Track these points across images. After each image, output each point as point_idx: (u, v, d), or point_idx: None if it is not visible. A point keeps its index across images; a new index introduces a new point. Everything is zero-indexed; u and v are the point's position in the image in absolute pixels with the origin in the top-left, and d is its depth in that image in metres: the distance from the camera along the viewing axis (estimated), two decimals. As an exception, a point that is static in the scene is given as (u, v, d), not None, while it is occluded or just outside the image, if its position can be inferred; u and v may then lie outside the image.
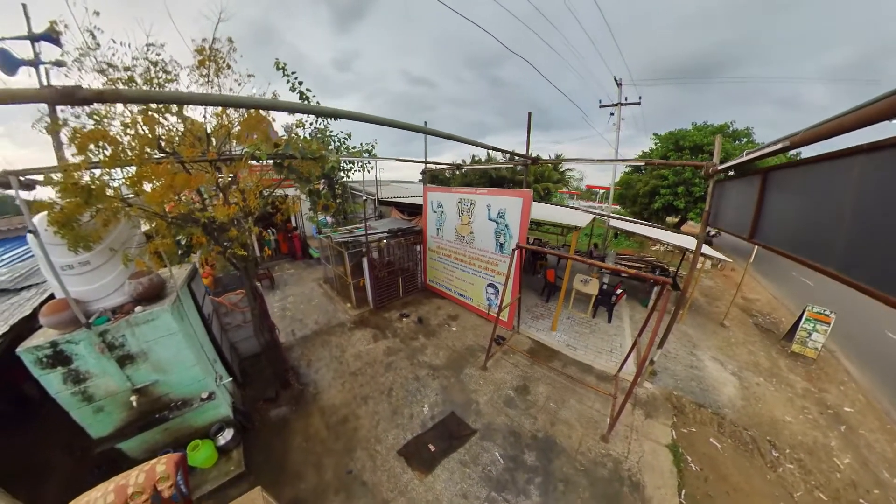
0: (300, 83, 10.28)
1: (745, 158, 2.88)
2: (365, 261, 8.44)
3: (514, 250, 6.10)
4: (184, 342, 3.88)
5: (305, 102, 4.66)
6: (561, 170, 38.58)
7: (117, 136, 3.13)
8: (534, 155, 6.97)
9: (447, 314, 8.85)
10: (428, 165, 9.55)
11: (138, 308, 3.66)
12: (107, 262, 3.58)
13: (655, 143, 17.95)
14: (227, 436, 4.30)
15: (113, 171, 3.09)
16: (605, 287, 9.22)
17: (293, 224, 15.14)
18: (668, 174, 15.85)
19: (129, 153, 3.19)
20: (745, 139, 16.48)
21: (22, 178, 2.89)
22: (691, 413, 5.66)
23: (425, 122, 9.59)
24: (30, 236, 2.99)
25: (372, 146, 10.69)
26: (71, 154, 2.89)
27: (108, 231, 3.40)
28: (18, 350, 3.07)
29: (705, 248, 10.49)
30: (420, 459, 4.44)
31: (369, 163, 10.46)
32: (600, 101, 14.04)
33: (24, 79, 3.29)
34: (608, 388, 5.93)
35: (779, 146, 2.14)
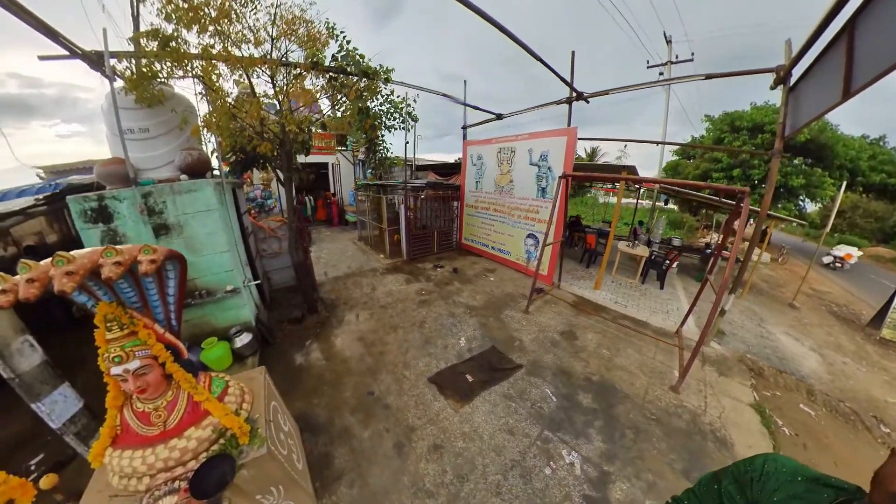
0: (348, 42, 9.95)
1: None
2: (402, 208, 7.88)
3: (559, 178, 5.30)
4: (220, 223, 3.55)
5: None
6: (596, 161, 36.78)
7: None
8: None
9: (483, 268, 8.06)
10: (467, 122, 8.94)
11: (183, 176, 3.57)
12: (164, 133, 3.65)
13: (708, 128, 16.26)
14: (244, 339, 3.79)
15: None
16: (654, 256, 8.16)
17: (332, 191, 15.02)
18: (723, 157, 14.19)
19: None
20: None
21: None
22: (772, 377, 4.62)
23: (465, 82, 9.03)
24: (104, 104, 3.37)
25: (414, 100, 10.13)
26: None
27: (171, 96, 3.67)
28: (69, 198, 2.97)
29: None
30: (455, 388, 3.68)
31: (411, 122, 9.89)
32: (648, 62, 12.55)
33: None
34: (671, 342, 5.00)
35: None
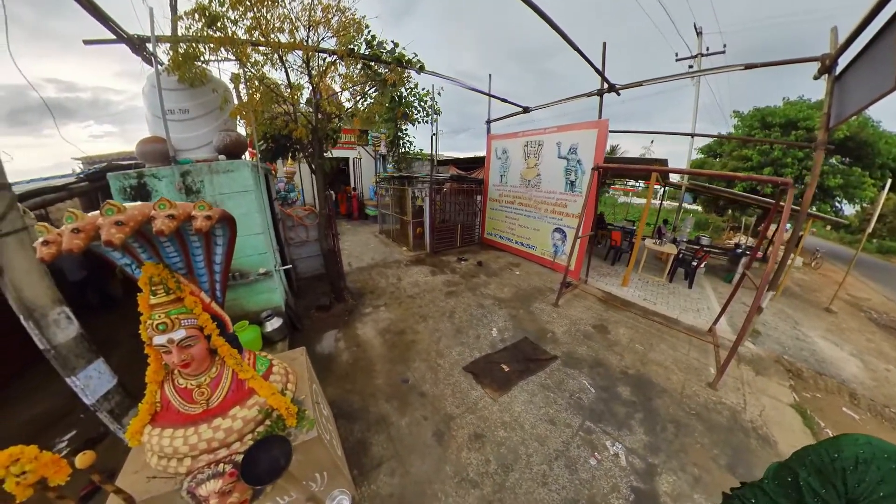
0: (373, 37, 9.84)
1: None
2: (427, 201, 7.72)
3: (592, 170, 5.05)
4: (255, 204, 3.47)
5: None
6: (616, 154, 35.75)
7: None
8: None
9: (508, 262, 7.82)
10: (491, 115, 8.73)
11: (221, 157, 3.53)
12: (203, 115, 3.64)
13: (736, 125, 15.42)
14: (274, 323, 3.70)
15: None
16: (683, 255, 7.77)
17: (352, 185, 14.99)
18: (753, 154, 13.28)
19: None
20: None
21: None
22: (811, 379, 4.30)
23: (490, 75, 8.79)
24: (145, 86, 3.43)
25: (439, 93, 9.94)
26: None
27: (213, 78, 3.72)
28: (109, 174, 2.92)
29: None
30: (492, 378, 3.52)
31: (434, 115, 9.77)
32: (677, 55, 11.87)
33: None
34: (705, 339, 4.72)
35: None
